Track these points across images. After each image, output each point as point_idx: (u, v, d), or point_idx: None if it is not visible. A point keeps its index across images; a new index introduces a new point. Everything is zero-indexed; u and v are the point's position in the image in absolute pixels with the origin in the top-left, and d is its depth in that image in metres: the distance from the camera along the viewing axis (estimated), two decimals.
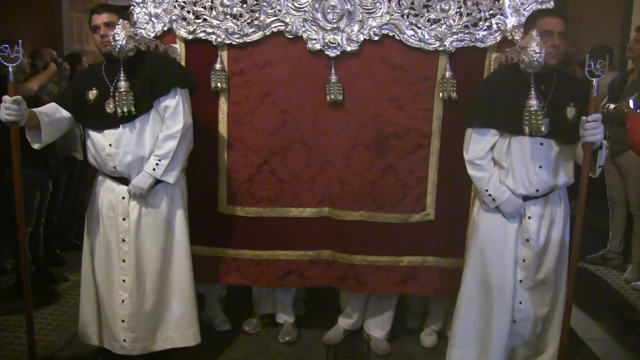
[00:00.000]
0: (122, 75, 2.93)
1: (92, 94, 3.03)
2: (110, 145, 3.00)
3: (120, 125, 2.99)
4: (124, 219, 3.06)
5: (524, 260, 2.97)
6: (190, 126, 3.08)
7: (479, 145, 2.95)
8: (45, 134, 2.94)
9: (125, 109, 2.91)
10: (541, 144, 2.88)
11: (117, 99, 2.92)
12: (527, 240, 2.95)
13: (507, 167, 2.92)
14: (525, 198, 2.93)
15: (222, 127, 3.39)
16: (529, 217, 2.95)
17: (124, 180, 3.06)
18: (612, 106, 4.63)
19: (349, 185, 3.36)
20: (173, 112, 3.00)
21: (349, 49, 3.23)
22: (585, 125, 2.60)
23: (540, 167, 2.89)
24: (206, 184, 3.44)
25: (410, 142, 3.31)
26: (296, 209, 3.42)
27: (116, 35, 2.85)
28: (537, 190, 2.91)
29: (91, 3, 6.71)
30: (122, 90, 2.91)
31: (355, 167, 3.34)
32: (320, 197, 3.40)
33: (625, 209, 5.13)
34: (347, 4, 3.20)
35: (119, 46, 2.84)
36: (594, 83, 2.59)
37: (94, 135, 3.05)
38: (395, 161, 3.33)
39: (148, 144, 3.02)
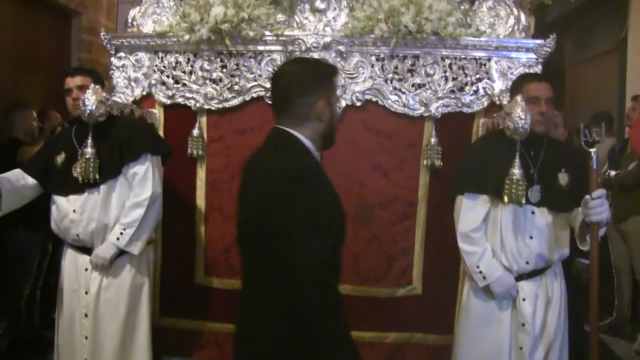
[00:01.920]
0: (89, 140, 2.80)
1: (60, 158, 2.91)
2: (74, 211, 2.86)
3: (86, 191, 2.85)
4: (86, 292, 2.88)
5: (520, 349, 2.74)
6: (160, 195, 2.93)
7: (472, 213, 2.76)
8: (6, 202, 2.80)
9: (90, 176, 2.77)
10: (533, 212, 2.71)
11: (82, 165, 2.79)
12: (523, 324, 2.73)
13: (498, 238, 2.75)
14: (518, 278, 2.73)
15: (200, 195, 3.28)
16: (523, 299, 2.73)
17: (87, 250, 2.89)
18: (612, 173, 4.55)
19: None
20: (142, 179, 2.86)
21: None
22: (589, 204, 2.35)
23: (531, 237, 2.70)
24: (183, 254, 3.29)
25: (396, 212, 3.17)
26: None
27: (86, 100, 2.75)
28: (528, 263, 2.71)
29: (99, 66, 6.73)
30: (87, 156, 2.77)
31: None
32: None
33: (630, 275, 4.93)
34: None
35: (88, 111, 2.75)
36: (592, 154, 2.37)
37: (58, 200, 2.91)
38: (380, 232, 3.18)
39: (114, 211, 2.86)
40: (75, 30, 6.38)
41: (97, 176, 2.79)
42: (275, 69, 3.14)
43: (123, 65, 3.33)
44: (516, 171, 2.58)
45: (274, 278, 1.74)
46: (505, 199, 2.60)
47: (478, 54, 3.11)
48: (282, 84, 1.90)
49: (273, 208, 1.72)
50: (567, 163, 2.70)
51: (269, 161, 1.87)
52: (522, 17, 3.18)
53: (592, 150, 2.39)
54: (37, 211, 3.08)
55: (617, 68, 6.36)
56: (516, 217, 2.71)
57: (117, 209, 2.86)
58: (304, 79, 1.88)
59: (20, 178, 2.90)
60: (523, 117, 2.53)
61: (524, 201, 2.58)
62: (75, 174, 2.85)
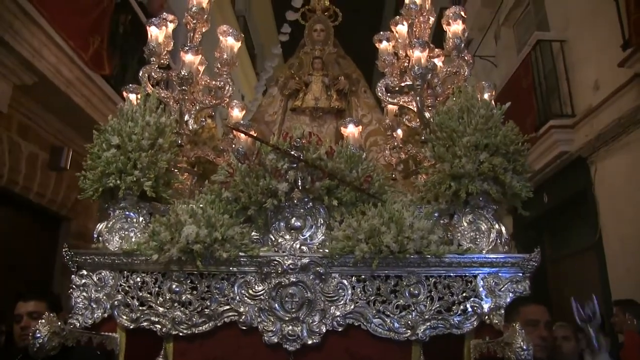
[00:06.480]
0: None
1: None
2: None
3: None
4: None
5: None
6: None
7: None
8: None
9: None
10: None
11: None
12: None
13: None
14: None
15: None
16: None
17: None
18: None
19: None
20: None
21: (310, 341, 2.88)
22: None
23: None
24: None
25: None
26: None
27: (37, 331, 2.45)
28: None
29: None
30: None
31: None
32: None
33: None
34: (306, 292, 2.92)
35: (37, 345, 2.44)
36: (589, 328, 2.57)
37: None
38: None
39: None
40: (63, 235, 6.25)
41: None
42: (250, 292, 2.93)
43: (84, 284, 3.07)
44: None
45: None
46: None
47: (463, 271, 2.95)
48: None
49: None
50: None
51: None
52: (504, 230, 3.08)
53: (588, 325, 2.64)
54: None
55: (597, 265, 6.35)
56: None
57: None
58: None
59: None
60: (525, 347, 2.35)
61: None
62: None
